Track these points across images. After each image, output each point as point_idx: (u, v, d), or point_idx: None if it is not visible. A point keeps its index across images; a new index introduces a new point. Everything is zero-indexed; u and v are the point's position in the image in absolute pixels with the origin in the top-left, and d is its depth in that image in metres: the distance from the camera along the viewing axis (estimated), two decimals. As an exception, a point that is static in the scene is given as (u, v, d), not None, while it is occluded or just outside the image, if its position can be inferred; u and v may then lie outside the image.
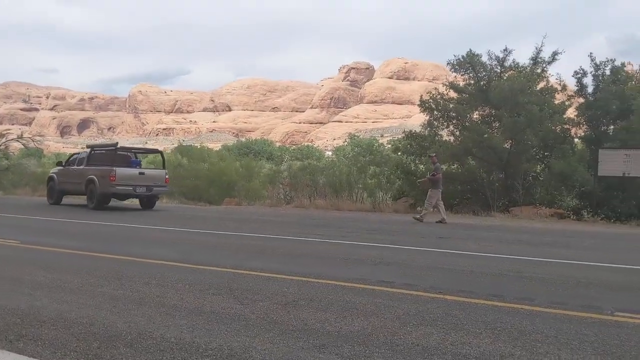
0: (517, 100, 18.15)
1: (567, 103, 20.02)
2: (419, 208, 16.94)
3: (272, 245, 10.61)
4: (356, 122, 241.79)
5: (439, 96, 20.24)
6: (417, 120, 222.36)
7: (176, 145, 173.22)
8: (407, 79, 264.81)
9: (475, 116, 20.24)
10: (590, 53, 19.48)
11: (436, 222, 15.87)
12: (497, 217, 17.58)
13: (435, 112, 19.90)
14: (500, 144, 18.53)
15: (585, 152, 18.57)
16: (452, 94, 20.73)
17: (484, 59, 19.87)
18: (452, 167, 20.96)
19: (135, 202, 22.05)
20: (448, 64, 19.89)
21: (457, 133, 19.99)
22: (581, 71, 19.37)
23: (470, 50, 19.56)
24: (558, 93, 19.99)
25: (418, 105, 20.54)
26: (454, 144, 19.40)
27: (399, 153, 21.13)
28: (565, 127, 19.49)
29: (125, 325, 4.95)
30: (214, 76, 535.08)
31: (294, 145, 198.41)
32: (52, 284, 6.71)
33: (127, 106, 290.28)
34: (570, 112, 19.99)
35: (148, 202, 20.84)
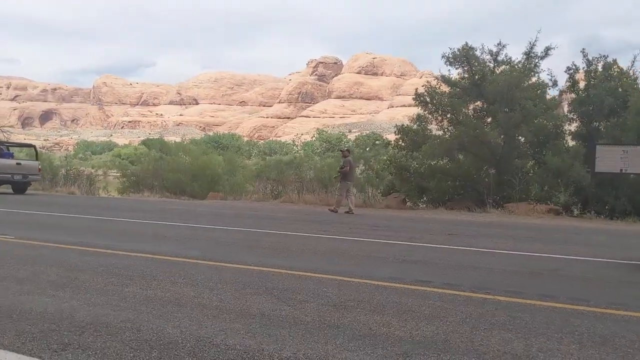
0: (513, 95, 18.03)
1: (557, 99, 20.02)
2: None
3: (285, 242, 10.17)
4: (324, 117, 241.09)
5: (431, 89, 19.99)
6: (384, 116, 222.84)
7: (143, 138, 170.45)
8: (375, 74, 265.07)
9: (468, 111, 20.06)
10: (583, 49, 19.52)
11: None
12: (493, 213, 17.43)
13: (430, 106, 19.66)
14: (495, 139, 18.38)
15: (580, 148, 18.54)
16: (444, 88, 20.51)
17: (477, 53, 19.70)
18: (441, 162, 20.73)
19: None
20: (442, 57, 19.60)
21: (451, 128, 19.76)
22: (573, 67, 19.36)
23: (466, 43, 19.37)
24: (550, 88, 19.99)
25: (413, 98, 20.26)
26: (448, 139, 19.16)
27: (390, 148, 20.86)
28: (558, 123, 19.46)
29: (177, 331, 4.48)
30: (180, 69, 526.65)
31: (262, 140, 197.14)
32: (71, 284, 6.15)
33: (92, 98, 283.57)
34: (563, 108, 20.01)
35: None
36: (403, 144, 20.03)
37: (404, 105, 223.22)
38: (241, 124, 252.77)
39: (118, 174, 27.23)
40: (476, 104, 20.24)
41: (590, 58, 19.07)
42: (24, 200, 20.25)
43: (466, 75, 19.80)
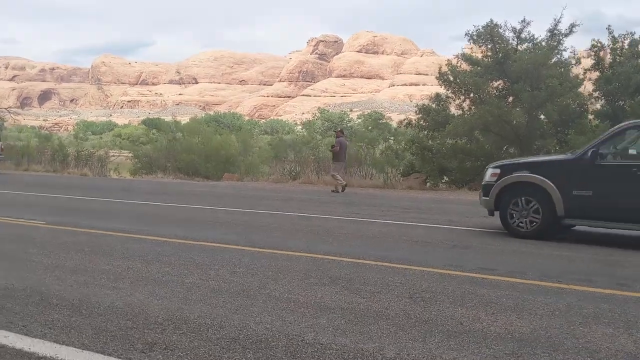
0: (539, 73, 17.63)
1: (580, 77, 19.61)
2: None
3: (323, 225, 9.90)
4: (325, 96, 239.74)
5: (453, 68, 19.54)
6: (385, 94, 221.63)
7: (142, 117, 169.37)
8: (375, 52, 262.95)
9: (490, 90, 19.63)
10: (609, 26, 18.99)
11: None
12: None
13: (453, 85, 19.23)
14: (520, 119, 18.02)
15: (606, 127, 18.13)
16: (464, 66, 20.08)
17: (500, 30, 19.20)
18: (461, 142, 20.33)
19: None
20: (466, 34, 19.13)
21: (473, 107, 19.34)
22: (598, 44, 18.92)
23: (491, 20, 18.88)
24: (573, 66, 19.56)
25: (436, 77, 19.81)
26: (472, 118, 18.73)
27: (410, 128, 20.48)
28: (583, 102, 19.07)
29: (262, 327, 4.21)
30: (179, 48, 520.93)
31: (263, 119, 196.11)
32: (127, 274, 5.88)
33: (90, 77, 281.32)
34: (584, 87, 19.61)
35: None
36: (424, 124, 19.66)
37: (405, 84, 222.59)
38: (241, 103, 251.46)
39: (130, 155, 26.90)
40: (498, 82, 19.83)
41: (616, 35, 18.66)
42: (39, 182, 19.96)
43: (489, 54, 19.34)
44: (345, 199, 14.91)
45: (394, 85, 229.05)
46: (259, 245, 7.72)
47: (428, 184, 19.70)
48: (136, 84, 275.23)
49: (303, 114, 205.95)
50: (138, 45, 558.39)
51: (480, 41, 19.18)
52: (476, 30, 19.04)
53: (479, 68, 19.79)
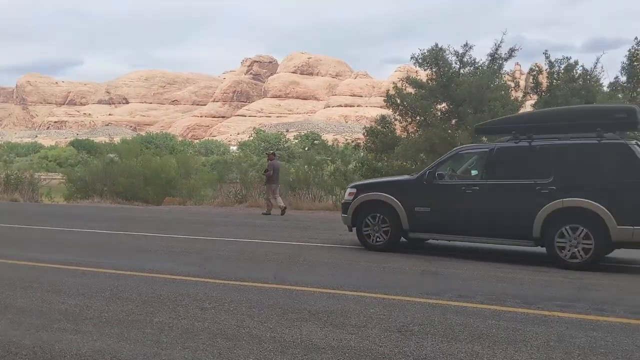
0: (483, 96, 18.01)
1: (519, 100, 20.17)
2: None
3: (285, 253, 9.51)
4: (260, 116, 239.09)
5: (399, 91, 19.68)
6: (321, 115, 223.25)
7: (70, 138, 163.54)
8: (310, 74, 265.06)
9: (435, 112, 19.88)
10: (546, 50, 19.69)
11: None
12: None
13: (400, 107, 19.34)
14: (464, 141, 18.28)
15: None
16: (409, 89, 20.27)
17: (445, 54, 19.53)
18: (406, 164, 20.45)
19: None
20: (412, 58, 19.33)
21: (418, 129, 19.50)
22: (537, 69, 19.56)
23: (436, 44, 19.12)
24: (513, 90, 20.09)
25: (384, 100, 19.89)
26: (418, 140, 18.85)
27: (358, 149, 20.47)
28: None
29: (254, 375, 3.84)
30: (109, 67, 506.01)
31: (197, 139, 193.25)
32: (87, 314, 5.36)
33: (15, 97, 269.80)
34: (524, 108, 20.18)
35: None
36: (372, 146, 19.66)
37: (340, 105, 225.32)
38: (174, 124, 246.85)
39: (62, 178, 25.61)
40: (442, 105, 20.12)
41: (553, 60, 19.32)
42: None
43: (434, 77, 19.58)
44: (299, 224, 14.55)
45: (329, 107, 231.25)
46: (223, 276, 7.28)
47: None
48: (63, 104, 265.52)
49: (238, 134, 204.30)
50: (66, 65, 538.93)
51: (426, 64, 19.41)
52: (422, 54, 19.27)
53: (423, 91, 20.01)
